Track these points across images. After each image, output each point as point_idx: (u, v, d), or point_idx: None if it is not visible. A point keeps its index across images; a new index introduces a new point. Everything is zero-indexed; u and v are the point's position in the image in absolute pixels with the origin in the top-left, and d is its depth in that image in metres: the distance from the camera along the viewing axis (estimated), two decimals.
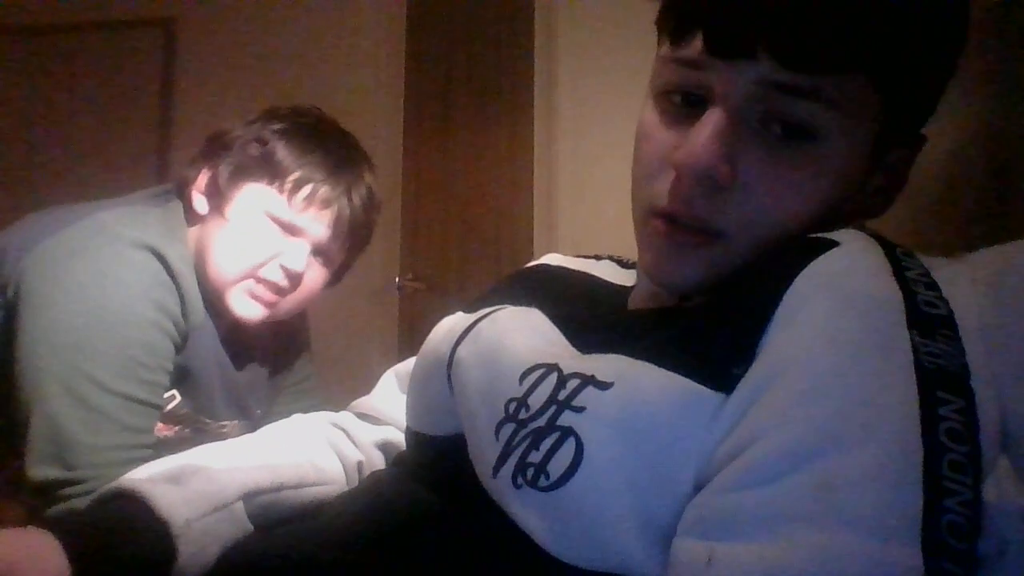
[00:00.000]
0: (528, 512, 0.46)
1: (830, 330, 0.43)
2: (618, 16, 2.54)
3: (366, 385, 0.82)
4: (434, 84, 2.82)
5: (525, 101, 2.69)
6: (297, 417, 0.78)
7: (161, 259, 0.95)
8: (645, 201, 0.55)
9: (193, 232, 1.04)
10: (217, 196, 1.03)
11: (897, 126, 0.53)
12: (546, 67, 2.66)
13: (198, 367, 1.02)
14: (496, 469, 0.49)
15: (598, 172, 2.54)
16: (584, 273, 0.72)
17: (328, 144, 1.06)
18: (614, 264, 0.74)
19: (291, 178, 1.01)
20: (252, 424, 1.16)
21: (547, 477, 0.45)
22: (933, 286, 0.46)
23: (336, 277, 1.15)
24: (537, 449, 0.46)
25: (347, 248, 1.10)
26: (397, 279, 2.71)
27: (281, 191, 1.01)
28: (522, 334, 0.57)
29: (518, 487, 0.47)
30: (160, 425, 1.02)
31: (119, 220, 0.97)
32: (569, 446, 0.45)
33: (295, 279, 1.03)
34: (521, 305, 0.63)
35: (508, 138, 2.73)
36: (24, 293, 0.91)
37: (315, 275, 1.08)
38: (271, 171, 1.01)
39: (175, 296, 0.96)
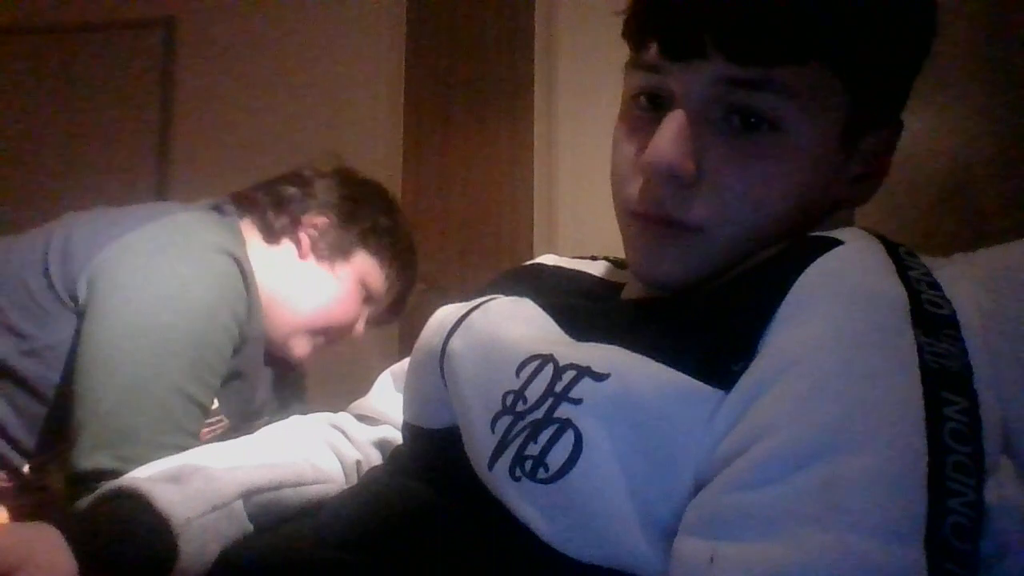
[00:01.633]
0: (527, 504, 0.46)
1: (834, 328, 0.43)
2: (618, 17, 2.54)
3: (366, 385, 0.82)
4: (434, 84, 2.82)
5: (525, 101, 2.69)
6: (295, 418, 0.78)
7: (240, 266, 0.96)
8: (622, 204, 0.57)
9: (255, 253, 1.04)
10: (332, 248, 1.09)
11: (865, 111, 0.54)
12: (546, 67, 2.66)
13: (249, 374, 1.04)
14: (492, 462, 0.49)
15: (598, 172, 2.53)
16: (578, 271, 0.72)
17: (413, 243, 1.20)
18: (609, 264, 0.75)
19: (391, 288, 1.15)
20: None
21: (546, 469, 0.45)
22: (936, 286, 0.46)
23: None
24: (535, 441, 0.46)
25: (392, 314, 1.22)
26: None
27: (393, 281, 1.14)
28: (515, 324, 0.57)
29: (516, 479, 0.46)
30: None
31: (199, 224, 0.98)
32: (568, 438, 0.45)
33: (349, 336, 1.15)
34: (513, 296, 0.63)
35: (508, 138, 2.72)
36: (104, 284, 0.90)
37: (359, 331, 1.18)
38: (390, 257, 1.13)
39: (245, 304, 0.97)
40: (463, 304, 0.64)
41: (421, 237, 2.75)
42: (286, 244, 1.08)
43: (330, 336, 1.13)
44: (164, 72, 2.95)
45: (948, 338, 0.43)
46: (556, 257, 0.76)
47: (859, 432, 0.39)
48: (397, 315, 1.23)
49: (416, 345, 0.66)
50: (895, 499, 0.37)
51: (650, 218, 0.54)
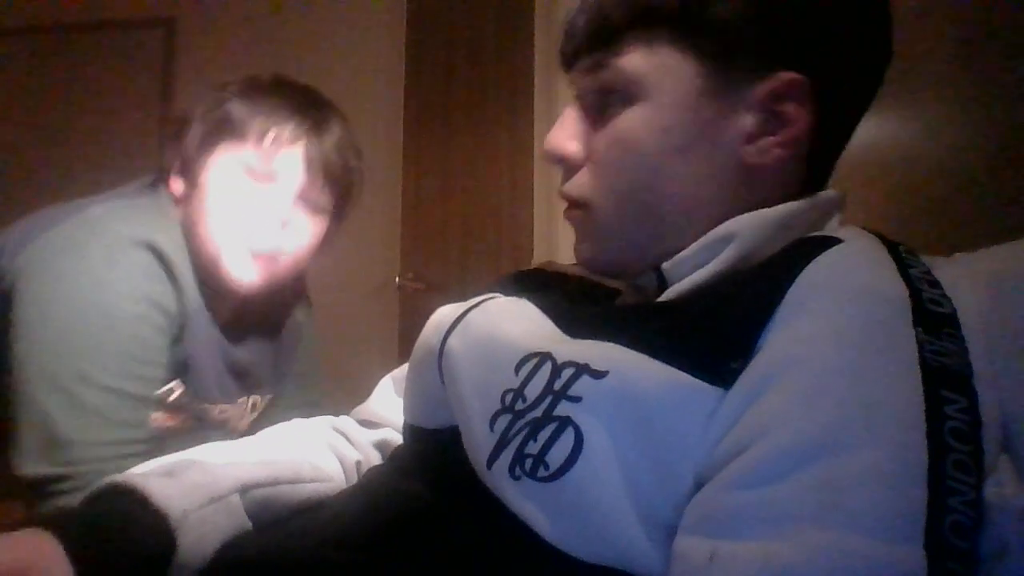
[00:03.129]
0: (527, 503, 0.46)
1: (835, 327, 0.43)
2: None
3: (366, 385, 0.82)
4: (434, 84, 2.82)
5: (525, 101, 2.69)
6: (296, 421, 0.78)
7: (153, 250, 0.94)
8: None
9: (180, 215, 1.03)
10: (190, 171, 1.03)
11: (719, 56, 0.54)
12: (546, 67, 2.66)
13: (198, 352, 1.02)
14: (491, 460, 0.49)
15: None
16: (578, 275, 0.73)
17: (285, 91, 1.08)
18: None
19: (255, 126, 1.02)
20: (262, 398, 1.16)
21: (546, 467, 0.45)
22: (936, 284, 0.46)
23: (329, 235, 1.12)
24: (535, 440, 0.46)
25: (330, 193, 1.07)
26: (397, 279, 2.71)
27: (248, 142, 1.01)
28: (513, 322, 0.57)
29: (516, 478, 0.47)
30: (163, 415, 1.02)
31: (110, 215, 0.96)
32: (568, 436, 0.45)
33: (285, 225, 1.02)
34: (511, 296, 0.64)
35: (508, 138, 2.72)
36: (17, 290, 0.91)
37: (305, 225, 1.05)
38: (234, 128, 1.02)
39: (168, 286, 0.95)
40: (461, 304, 0.64)
41: (421, 237, 2.77)
42: (183, 196, 1.05)
43: (249, 234, 1.00)
44: (164, 72, 2.95)
45: (949, 336, 0.43)
46: (557, 264, 0.77)
47: (859, 431, 0.39)
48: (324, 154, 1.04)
49: (416, 344, 0.66)
50: (895, 498, 0.37)
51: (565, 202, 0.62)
